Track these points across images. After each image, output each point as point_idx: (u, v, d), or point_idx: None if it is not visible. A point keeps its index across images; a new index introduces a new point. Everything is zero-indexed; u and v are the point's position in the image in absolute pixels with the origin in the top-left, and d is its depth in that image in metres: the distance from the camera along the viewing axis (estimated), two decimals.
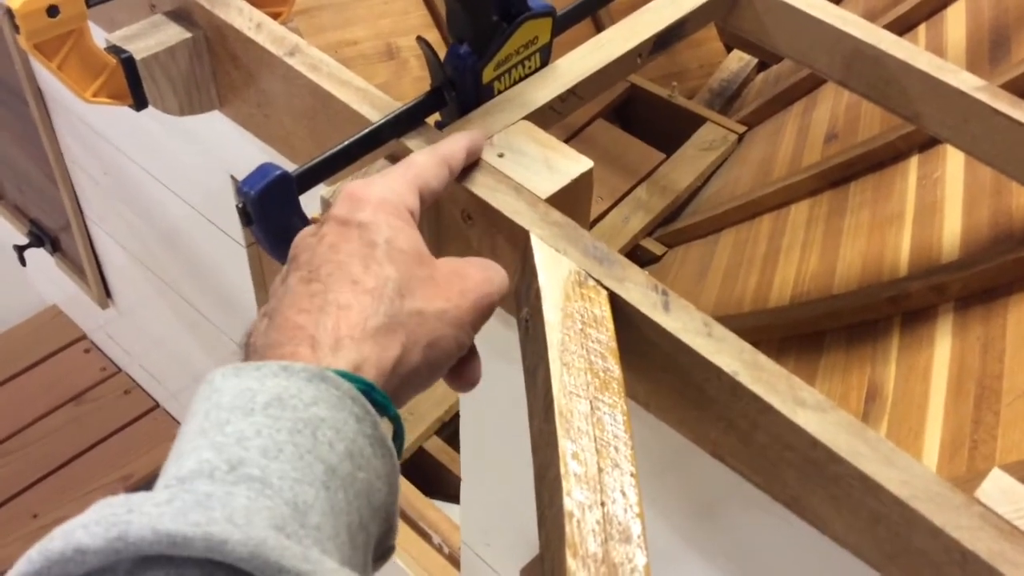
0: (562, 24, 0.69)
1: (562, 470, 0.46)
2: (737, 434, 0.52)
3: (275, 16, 0.76)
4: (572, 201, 0.61)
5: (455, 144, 0.56)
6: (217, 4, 0.71)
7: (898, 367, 1.06)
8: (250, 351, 0.43)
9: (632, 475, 0.47)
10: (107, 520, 0.31)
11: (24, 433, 1.75)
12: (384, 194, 0.47)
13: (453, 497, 1.64)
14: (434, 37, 2.09)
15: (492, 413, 0.80)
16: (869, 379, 1.08)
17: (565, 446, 0.47)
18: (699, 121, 2.00)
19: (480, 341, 0.74)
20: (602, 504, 0.45)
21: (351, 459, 0.37)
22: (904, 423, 0.97)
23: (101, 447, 1.72)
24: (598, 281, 0.55)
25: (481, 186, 0.59)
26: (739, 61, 2.23)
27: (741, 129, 1.94)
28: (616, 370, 0.51)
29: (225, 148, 0.88)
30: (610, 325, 0.53)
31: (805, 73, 1.82)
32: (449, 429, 1.63)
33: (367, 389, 0.40)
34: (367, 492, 0.37)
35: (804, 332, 1.26)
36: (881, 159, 1.40)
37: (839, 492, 0.49)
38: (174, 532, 0.30)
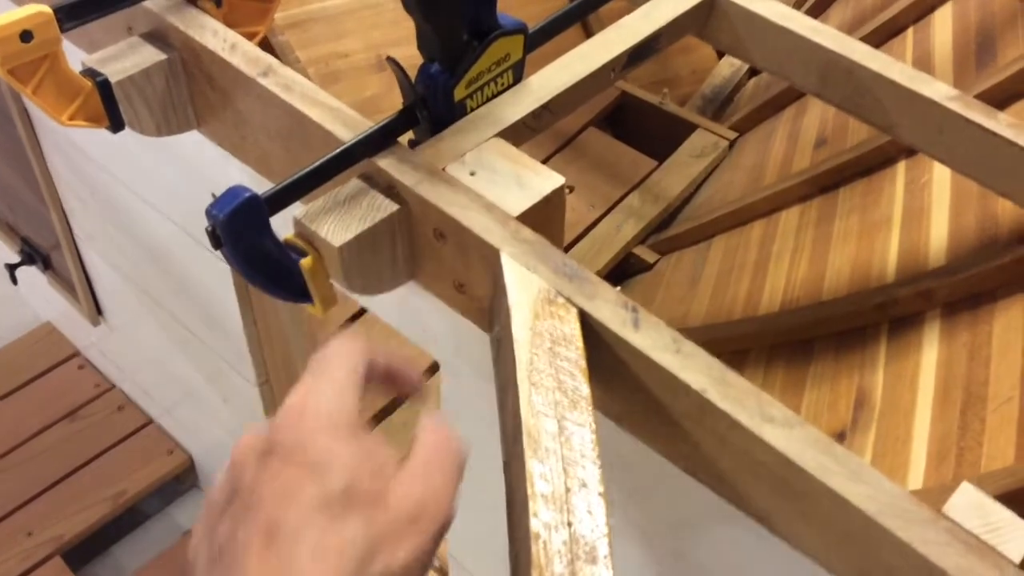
0: (535, 41, 0.69)
1: (529, 491, 0.46)
2: (708, 450, 0.52)
3: (251, 36, 0.76)
4: (544, 218, 0.61)
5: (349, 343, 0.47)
6: (191, 26, 0.71)
7: (886, 374, 1.06)
8: None
9: (600, 494, 0.47)
10: None
11: (19, 450, 1.75)
12: (330, 408, 0.42)
13: None
14: None
15: (473, 429, 0.80)
16: (858, 386, 1.08)
17: (532, 467, 0.47)
18: (690, 128, 2.00)
19: (461, 359, 0.75)
20: (569, 524, 0.45)
21: None
22: (892, 431, 0.97)
23: (95, 464, 1.72)
24: (568, 299, 0.55)
25: (452, 204, 0.59)
26: (731, 67, 2.23)
27: (732, 135, 1.94)
28: (585, 388, 0.51)
29: (206, 167, 0.88)
30: (579, 343, 0.53)
31: None
32: None
33: None
34: None
35: (794, 339, 1.26)
36: (870, 164, 1.40)
37: (808, 508, 0.49)
38: None
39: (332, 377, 0.44)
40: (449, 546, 0.97)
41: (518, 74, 0.68)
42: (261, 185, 0.79)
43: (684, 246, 1.75)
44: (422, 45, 0.63)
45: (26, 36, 0.64)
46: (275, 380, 1.10)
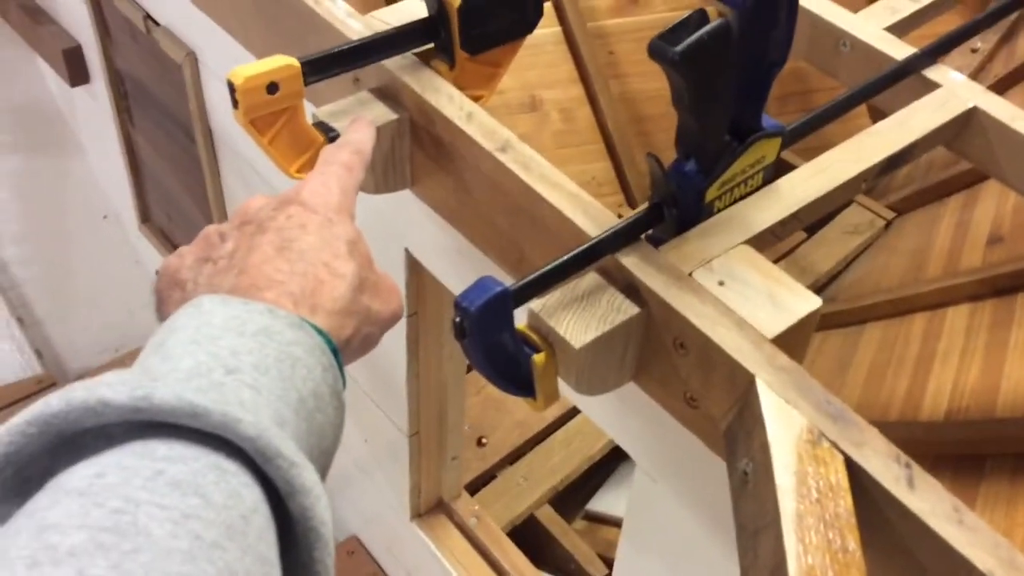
0: (787, 141, 0.65)
1: None
2: None
3: (477, 99, 0.74)
4: (795, 343, 0.57)
5: (364, 135, 0.61)
6: (427, 88, 0.69)
7: None
8: (197, 288, 0.46)
9: None
10: (131, 383, 0.33)
11: None
12: (344, 201, 0.52)
13: (560, 570, 1.59)
14: (578, 92, 2.08)
15: (660, 539, 0.76)
16: None
17: None
18: (845, 202, 1.93)
19: (666, 469, 0.70)
20: None
21: (315, 399, 0.41)
22: None
23: None
24: (833, 443, 0.50)
25: (700, 316, 0.56)
26: None
27: (890, 215, 1.87)
28: (857, 552, 0.46)
29: (403, 221, 0.87)
30: (848, 497, 0.48)
31: (964, 166, 1.74)
32: (561, 498, 1.59)
33: (332, 349, 0.44)
34: (320, 433, 0.41)
35: (962, 452, 1.18)
36: None
37: None
38: (196, 403, 0.33)
39: (344, 182, 0.54)
40: None
41: (768, 176, 0.65)
42: (466, 248, 0.76)
43: (832, 327, 1.68)
44: (681, 142, 0.59)
45: (272, 88, 0.63)
46: (425, 434, 1.07)
